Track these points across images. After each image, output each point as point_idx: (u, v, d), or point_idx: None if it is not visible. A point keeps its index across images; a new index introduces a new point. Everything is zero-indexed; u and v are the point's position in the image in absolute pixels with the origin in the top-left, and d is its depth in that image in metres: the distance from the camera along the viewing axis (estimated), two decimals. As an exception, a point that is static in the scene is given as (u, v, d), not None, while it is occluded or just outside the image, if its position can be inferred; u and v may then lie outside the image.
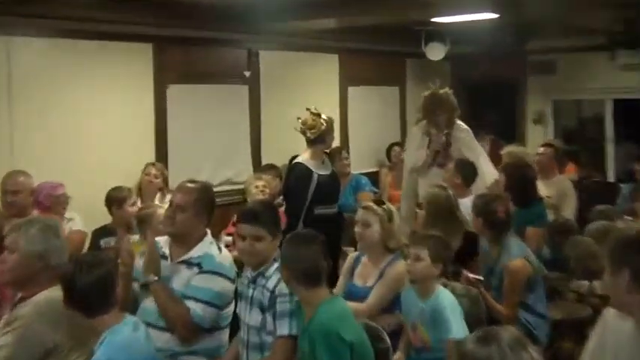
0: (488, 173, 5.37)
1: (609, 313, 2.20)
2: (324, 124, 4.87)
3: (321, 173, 4.89)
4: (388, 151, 7.36)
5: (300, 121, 4.92)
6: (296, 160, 4.96)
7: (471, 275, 3.69)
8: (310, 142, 4.91)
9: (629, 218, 5.07)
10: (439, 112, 5.54)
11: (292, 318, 2.91)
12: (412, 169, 5.62)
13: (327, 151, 5.16)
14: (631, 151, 7.79)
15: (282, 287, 2.95)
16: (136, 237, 4.41)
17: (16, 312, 2.65)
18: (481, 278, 3.68)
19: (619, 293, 2.02)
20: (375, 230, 3.61)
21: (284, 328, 2.91)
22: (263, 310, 2.99)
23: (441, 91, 5.59)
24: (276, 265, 3.04)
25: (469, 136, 5.68)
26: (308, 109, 4.95)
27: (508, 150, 5.75)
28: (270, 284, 2.99)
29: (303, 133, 4.90)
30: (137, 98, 5.51)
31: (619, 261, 2.00)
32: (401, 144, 7.30)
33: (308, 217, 4.77)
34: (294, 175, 4.89)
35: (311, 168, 4.86)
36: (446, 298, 3.24)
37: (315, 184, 4.83)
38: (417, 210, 5.12)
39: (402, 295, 3.44)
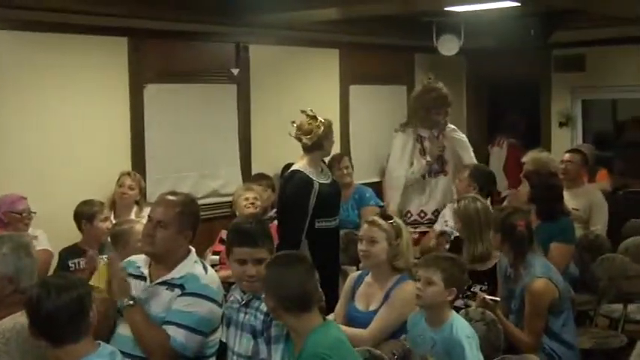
0: None
1: None
2: (322, 128, 4.85)
3: (321, 182, 4.90)
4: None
5: (294, 125, 4.93)
6: (294, 168, 4.97)
7: (487, 296, 3.71)
8: (307, 149, 4.90)
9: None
10: (442, 111, 5.62)
11: (289, 342, 2.93)
12: (407, 183, 5.70)
13: (326, 158, 5.20)
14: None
15: None
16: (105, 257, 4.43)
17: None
18: (498, 299, 3.70)
19: None
20: (382, 248, 3.64)
21: (279, 355, 2.94)
22: (255, 335, 3.02)
23: (443, 88, 5.70)
24: None
25: (462, 135, 5.84)
26: (303, 112, 4.95)
27: (531, 156, 5.77)
28: (264, 307, 3.01)
29: (299, 139, 4.90)
30: (110, 99, 5.52)
31: None
32: None
33: (308, 231, 4.77)
34: (294, 185, 4.86)
35: (311, 177, 4.86)
36: (461, 328, 3.26)
37: (315, 195, 4.82)
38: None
39: (409, 320, 3.46)
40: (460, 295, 3.77)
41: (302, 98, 6.74)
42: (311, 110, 4.93)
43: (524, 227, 3.89)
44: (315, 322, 2.84)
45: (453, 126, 5.86)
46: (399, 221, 3.82)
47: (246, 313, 3.08)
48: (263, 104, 6.47)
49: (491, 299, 3.68)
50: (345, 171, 6.14)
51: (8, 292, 2.73)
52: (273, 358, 2.96)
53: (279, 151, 6.41)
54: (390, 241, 3.64)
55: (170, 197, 3.38)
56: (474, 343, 3.22)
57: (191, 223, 3.32)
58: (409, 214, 5.82)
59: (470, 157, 5.79)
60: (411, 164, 5.81)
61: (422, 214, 5.83)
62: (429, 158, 5.63)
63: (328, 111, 7.14)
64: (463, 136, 5.90)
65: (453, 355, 3.19)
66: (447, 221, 5.23)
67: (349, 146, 7.23)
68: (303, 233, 4.73)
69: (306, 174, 4.83)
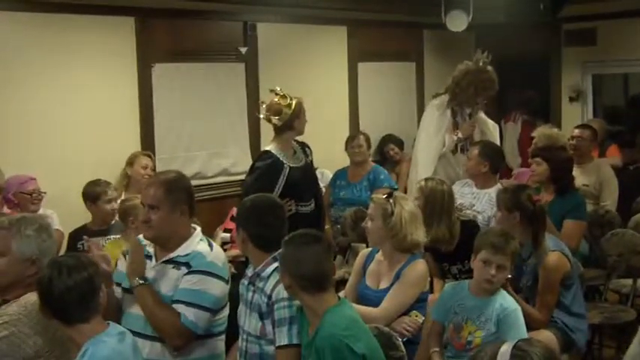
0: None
1: None
2: (292, 108, 4.68)
3: (292, 165, 4.73)
4: (381, 145, 7.24)
5: (263, 106, 4.78)
6: (265, 149, 4.83)
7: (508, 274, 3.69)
8: (277, 130, 4.74)
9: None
10: (485, 94, 5.57)
11: (292, 325, 2.95)
12: (440, 153, 5.59)
13: (298, 138, 4.95)
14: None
15: (280, 291, 2.99)
16: (114, 237, 4.46)
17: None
18: (509, 276, 3.70)
19: None
20: (378, 225, 3.64)
21: (283, 338, 2.95)
22: (262, 316, 3.04)
23: (490, 69, 5.61)
24: (274, 265, 3.09)
25: (488, 118, 5.75)
26: (272, 91, 4.78)
27: (541, 132, 5.74)
28: (268, 287, 3.04)
29: (268, 119, 4.74)
30: (119, 79, 5.53)
31: None
32: (396, 140, 7.28)
33: None
34: (262, 167, 4.66)
35: (282, 159, 4.69)
36: (510, 299, 3.36)
37: (285, 178, 4.66)
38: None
39: (447, 290, 3.51)
40: (448, 277, 3.79)
41: (310, 76, 6.74)
42: (280, 89, 4.77)
43: (540, 201, 3.88)
44: (330, 301, 2.85)
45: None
46: (402, 199, 3.75)
47: (254, 292, 3.10)
48: (271, 82, 6.40)
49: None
50: (357, 149, 6.07)
51: (30, 273, 2.75)
52: (277, 341, 2.97)
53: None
54: (385, 218, 3.62)
55: (155, 179, 3.40)
56: (520, 315, 3.29)
57: (183, 198, 3.28)
58: None
59: (495, 139, 5.75)
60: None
61: None
62: (460, 135, 5.55)
63: (337, 89, 7.15)
64: (487, 119, 5.83)
65: (504, 323, 3.24)
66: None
67: (358, 123, 7.21)
68: None
69: (276, 156, 4.69)
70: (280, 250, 3.02)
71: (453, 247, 4.17)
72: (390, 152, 7.12)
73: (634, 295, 4.73)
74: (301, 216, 4.68)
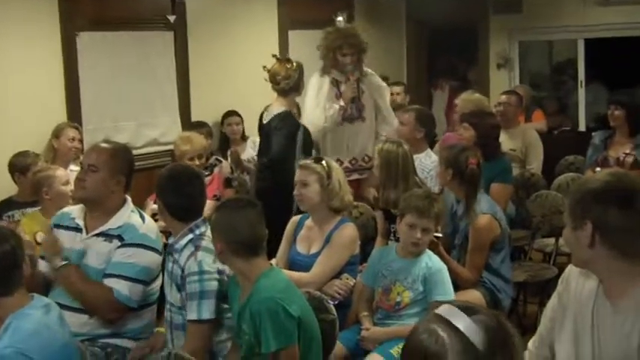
0: (390, 125, 5.38)
1: (572, 271, 2.27)
2: (297, 71, 5.03)
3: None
4: None
5: (267, 70, 5.04)
6: (283, 110, 5.03)
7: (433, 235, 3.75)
8: (284, 92, 5.04)
9: (599, 169, 5.21)
10: (346, 50, 5.30)
11: (202, 300, 2.93)
12: (324, 128, 5.31)
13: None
14: (600, 95, 7.98)
15: (191, 265, 2.97)
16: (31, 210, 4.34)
17: None
18: (440, 235, 3.76)
19: (581, 249, 2.09)
20: (314, 190, 3.65)
21: (192, 312, 2.94)
22: (179, 287, 3.02)
23: (348, 29, 5.46)
24: (189, 236, 3.07)
25: (380, 82, 5.60)
26: (274, 56, 5.15)
27: (463, 97, 5.81)
28: (182, 260, 3.02)
29: (277, 83, 5.01)
30: (42, 49, 5.35)
31: (581, 215, 2.06)
32: None
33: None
34: (287, 127, 4.97)
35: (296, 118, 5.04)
36: (437, 259, 3.43)
37: (302, 136, 4.99)
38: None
39: (375, 254, 3.58)
40: (391, 238, 3.84)
41: (240, 44, 6.67)
42: (280, 54, 5.09)
43: (476, 165, 3.94)
44: (263, 266, 2.86)
45: (370, 71, 5.56)
46: (331, 162, 3.81)
47: (173, 263, 3.08)
48: (201, 51, 6.37)
49: (435, 236, 3.73)
50: None
51: None
52: (188, 315, 2.96)
53: (219, 98, 6.36)
54: (322, 183, 3.64)
55: (103, 144, 3.39)
56: (446, 274, 3.38)
57: (124, 168, 3.29)
58: None
59: (386, 104, 5.54)
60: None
61: (338, 163, 5.55)
62: (342, 102, 5.30)
63: (267, 57, 7.07)
64: (380, 82, 5.62)
65: (430, 282, 3.32)
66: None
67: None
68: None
69: (293, 116, 5.03)
70: (197, 221, 3.05)
71: None
72: None
73: (556, 254, 4.88)
74: None
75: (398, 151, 4.30)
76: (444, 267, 3.42)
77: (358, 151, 5.41)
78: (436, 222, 3.46)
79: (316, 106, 5.32)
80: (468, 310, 1.50)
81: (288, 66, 5.04)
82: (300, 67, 5.08)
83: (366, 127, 5.44)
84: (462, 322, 1.46)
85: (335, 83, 5.38)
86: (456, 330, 1.45)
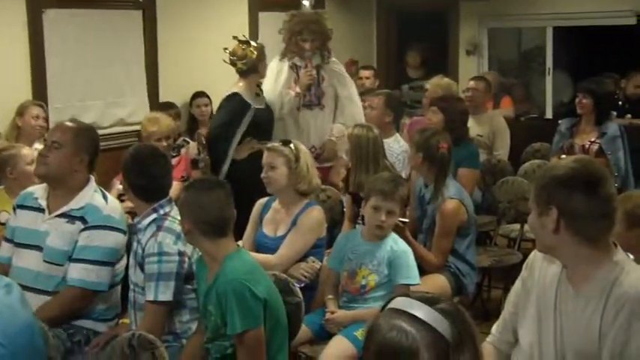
0: (357, 115, 5.24)
1: (536, 257, 2.29)
2: (256, 52, 4.95)
3: (257, 107, 4.97)
4: None
5: (227, 51, 4.99)
6: (232, 91, 4.99)
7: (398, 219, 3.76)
8: (243, 73, 4.98)
9: (564, 157, 5.26)
10: (305, 36, 5.16)
11: (159, 282, 2.92)
12: (280, 113, 5.18)
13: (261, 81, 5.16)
14: (565, 83, 8.05)
15: (152, 245, 2.96)
16: None
17: None
18: (407, 220, 3.77)
19: (546, 235, 2.10)
20: (281, 173, 3.64)
21: (150, 293, 2.94)
22: (142, 268, 3.01)
23: (312, 14, 5.29)
24: (152, 216, 3.05)
25: (343, 71, 5.44)
26: (235, 37, 5.03)
27: (433, 82, 5.83)
28: (143, 240, 3.01)
29: (234, 64, 4.98)
30: (7, 26, 5.25)
31: (546, 200, 2.07)
32: None
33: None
34: (230, 106, 4.94)
35: (247, 100, 4.93)
36: (401, 242, 3.44)
37: (251, 118, 4.91)
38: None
39: (340, 238, 3.57)
40: (359, 222, 3.84)
41: (210, 25, 6.60)
42: (243, 35, 5.00)
43: (446, 149, 3.95)
44: (230, 247, 2.84)
45: (334, 59, 5.39)
46: (299, 145, 3.79)
47: (137, 243, 3.06)
48: (170, 31, 6.29)
49: (401, 221, 3.74)
50: None
51: None
52: (146, 295, 2.95)
53: (187, 78, 6.30)
54: (290, 166, 3.63)
55: (68, 122, 3.34)
56: (411, 257, 3.39)
57: (88, 148, 3.24)
58: None
59: (348, 92, 5.34)
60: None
61: None
62: (298, 89, 5.14)
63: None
64: (343, 71, 5.43)
65: (395, 265, 3.33)
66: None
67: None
68: (229, 152, 4.88)
69: (242, 97, 4.92)
70: (162, 201, 3.05)
71: None
72: None
73: (521, 239, 4.92)
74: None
75: (368, 135, 4.31)
76: (409, 250, 3.43)
77: (317, 139, 5.23)
78: (401, 205, 3.46)
79: (273, 91, 5.20)
80: (428, 300, 1.48)
81: (244, 47, 4.97)
82: (259, 49, 4.99)
83: (325, 114, 5.28)
84: (425, 314, 1.44)
85: (295, 68, 5.24)
86: (422, 323, 1.43)
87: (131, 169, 3.12)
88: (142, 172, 3.09)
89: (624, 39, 7.81)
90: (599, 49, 8.10)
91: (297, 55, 5.22)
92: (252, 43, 5.02)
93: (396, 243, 3.42)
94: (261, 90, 5.11)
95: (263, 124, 4.99)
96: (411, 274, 3.35)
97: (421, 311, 1.44)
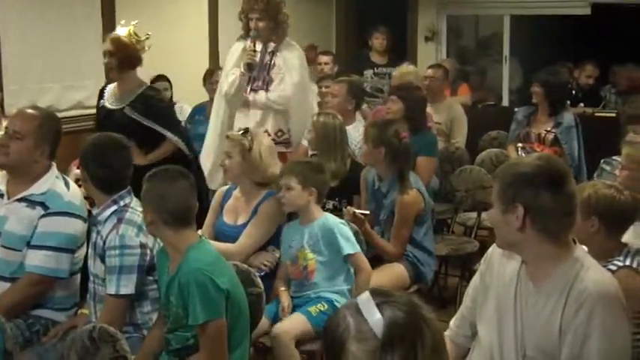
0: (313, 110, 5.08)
1: (494, 252, 2.30)
2: (141, 45, 4.35)
3: (107, 106, 4.42)
4: None
5: (108, 39, 4.38)
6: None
7: (357, 210, 3.76)
8: (118, 66, 4.31)
9: (521, 145, 5.32)
10: (252, 14, 4.86)
11: (122, 275, 2.89)
12: (226, 94, 4.95)
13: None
14: (520, 71, 8.14)
15: (113, 238, 2.92)
16: None
17: None
18: (367, 212, 3.77)
19: (509, 231, 2.10)
20: (236, 161, 3.61)
21: (111, 287, 2.90)
22: (102, 259, 2.96)
23: None
24: (113, 208, 3.00)
25: (293, 54, 5.04)
26: (121, 25, 4.42)
27: (400, 70, 5.83)
28: (104, 232, 2.96)
29: (111, 54, 4.30)
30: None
31: (512, 198, 2.07)
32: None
33: None
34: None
35: (104, 96, 4.44)
36: (333, 218, 3.44)
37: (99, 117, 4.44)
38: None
39: (285, 230, 3.54)
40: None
41: (170, 7, 6.49)
42: (134, 25, 4.41)
43: (407, 138, 3.92)
44: (193, 238, 2.82)
45: (293, 42, 5.11)
46: (258, 134, 3.74)
47: (97, 233, 3.01)
48: (129, 12, 6.15)
49: (362, 213, 3.73)
50: (215, 86, 5.64)
51: None
52: (107, 288, 2.91)
53: (147, 62, 6.15)
54: (244, 154, 3.59)
55: (30, 110, 3.25)
56: (347, 230, 3.40)
57: (50, 139, 3.19)
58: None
59: (292, 79, 4.96)
60: None
61: None
62: (242, 69, 4.88)
63: (196, 21, 6.92)
64: (294, 59, 5.06)
65: (328, 237, 3.35)
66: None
67: (218, 58, 7.04)
68: None
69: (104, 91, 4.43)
70: (121, 192, 3.00)
71: (336, 184, 4.09)
72: None
73: (477, 228, 4.96)
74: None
75: (335, 123, 4.31)
76: (341, 224, 3.43)
77: (258, 126, 4.83)
78: (317, 190, 3.42)
79: (226, 71, 5.03)
80: (380, 296, 1.51)
81: (130, 37, 4.32)
82: (142, 45, 4.34)
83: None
84: (366, 309, 1.48)
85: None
86: (360, 316, 1.48)
87: (91, 159, 3.05)
88: (102, 163, 3.02)
89: (579, 28, 7.92)
90: (555, 38, 8.19)
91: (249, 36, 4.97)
92: (137, 34, 4.34)
93: (326, 219, 3.43)
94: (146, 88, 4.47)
95: (109, 128, 3.72)
96: (351, 243, 3.38)
97: (366, 306, 1.49)
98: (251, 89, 4.93)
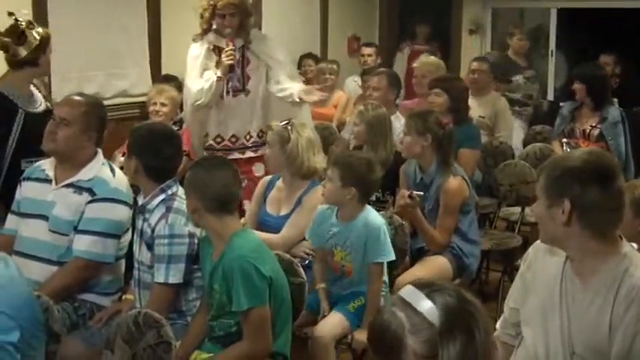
0: (294, 76, 4.84)
1: (537, 250, 2.27)
2: (39, 39, 3.74)
3: (30, 110, 3.74)
4: (299, 63, 7.04)
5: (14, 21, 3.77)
6: None
7: (414, 192, 3.71)
8: (16, 64, 3.74)
9: (565, 140, 5.26)
10: (224, 14, 4.53)
11: (170, 265, 2.92)
12: (197, 103, 4.61)
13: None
14: (566, 65, 8.02)
15: (162, 227, 2.95)
16: None
17: None
18: (421, 193, 3.73)
19: (554, 226, 2.08)
20: (275, 152, 3.64)
21: (160, 275, 2.93)
22: (149, 247, 3.00)
23: None
24: (161, 197, 3.04)
25: (271, 45, 4.77)
26: (11, 14, 3.76)
27: (422, 60, 5.79)
28: (153, 220, 3.00)
29: (5, 48, 3.74)
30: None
31: (559, 192, 2.06)
32: (315, 56, 7.21)
33: (10, 174, 3.60)
34: None
35: (15, 101, 3.71)
36: (375, 216, 3.35)
37: (18, 127, 3.68)
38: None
39: (317, 216, 3.45)
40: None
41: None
42: (25, 13, 3.91)
43: (449, 124, 3.91)
44: (236, 225, 2.85)
45: (263, 34, 4.96)
46: (299, 126, 3.71)
47: (144, 221, 3.05)
48: (173, 2, 6.23)
49: (417, 194, 3.69)
50: None
51: None
52: (156, 277, 2.94)
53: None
54: (282, 145, 3.61)
55: (77, 97, 3.32)
56: (387, 230, 3.33)
57: (96, 124, 3.25)
58: (207, 137, 4.76)
59: (278, 60, 4.71)
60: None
61: (218, 140, 4.73)
62: (219, 73, 4.52)
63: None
64: (268, 40, 4.81)
65: (369, 242, 3.27)
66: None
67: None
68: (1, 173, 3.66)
69: (7, 95, 3.69)
70: (168, 181, 3.04)
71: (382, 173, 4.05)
72: None
73: (521, 223, 4.92)
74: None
75: (384, 113, 4.35)
76: (382, 225, 3.30)
77: (240, 128, 4.69)
78: (359, 190, 3.29)
79: (190, 75, 4.65)
80: (426, 287, 1.51)
81: (27, 28, 3.75)
82: (45, 37, 3.80)
83: (249, 101, 4.67)
84: (416, 301, 1.49)
85: (217, 50, 4.64)
86: (412, 309, 1.48)
87: (146, 149, 3.07)
88: (157, 153, 3.05)
89: (630, 22, 7.78)
90: (604, 31, 8.04)
91: (217, 34, 4.63)
92: (37, 26, 3.81)
93: (369, 219, 3.31)
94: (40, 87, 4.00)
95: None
96: (384, 250, 3.28)
97: (413, 298, 1.49)
98: (227, 93, 4.62)
